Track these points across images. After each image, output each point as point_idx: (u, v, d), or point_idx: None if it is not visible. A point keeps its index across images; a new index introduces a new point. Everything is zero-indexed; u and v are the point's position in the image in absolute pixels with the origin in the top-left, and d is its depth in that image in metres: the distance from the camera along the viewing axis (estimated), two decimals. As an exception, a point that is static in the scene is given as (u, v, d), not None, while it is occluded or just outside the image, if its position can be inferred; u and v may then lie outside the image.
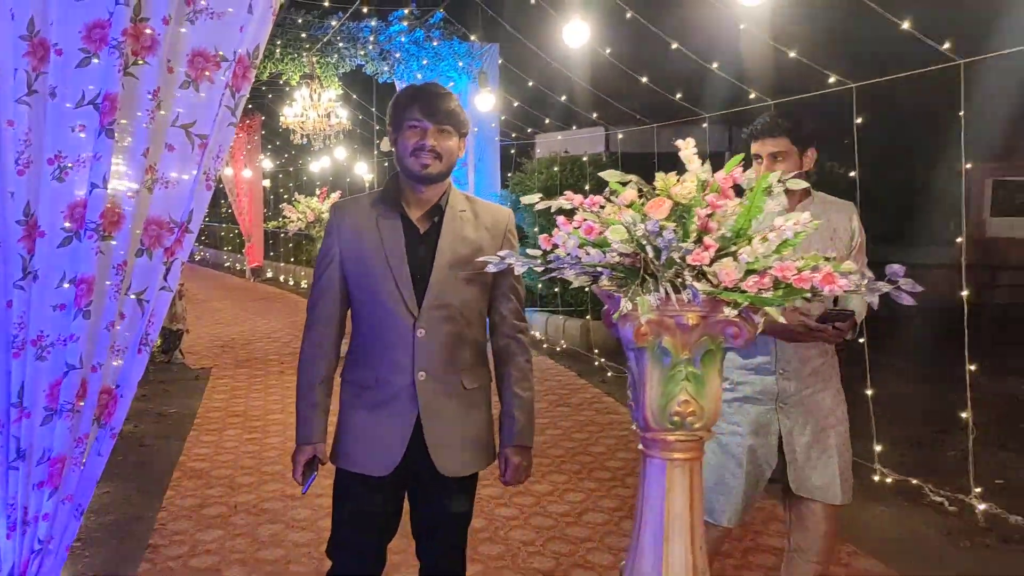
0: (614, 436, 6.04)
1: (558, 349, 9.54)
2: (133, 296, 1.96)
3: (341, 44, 8.38)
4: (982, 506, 4.36)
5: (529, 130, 11.00)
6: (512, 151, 11.70)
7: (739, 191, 2.23)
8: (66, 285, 1.87)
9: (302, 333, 2.50)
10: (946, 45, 4.09)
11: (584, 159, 9.75)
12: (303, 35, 8.00)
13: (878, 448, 4.96)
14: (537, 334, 10.26)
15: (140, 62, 1.89)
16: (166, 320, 8.90)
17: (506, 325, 2.54)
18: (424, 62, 8.84)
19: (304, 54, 8.36)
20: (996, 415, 6.05)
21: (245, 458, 5.53)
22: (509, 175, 11.28)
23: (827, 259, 2.08)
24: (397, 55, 8.71)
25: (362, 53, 8.58)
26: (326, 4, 7.86)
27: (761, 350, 2.81)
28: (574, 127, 9.90)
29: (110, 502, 4.63)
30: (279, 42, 7.99)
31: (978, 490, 4.44)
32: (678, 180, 2.20)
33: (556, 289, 9.95)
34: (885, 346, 8.84)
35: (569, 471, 5.23)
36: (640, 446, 2.28)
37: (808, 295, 2.03)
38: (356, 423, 2.41)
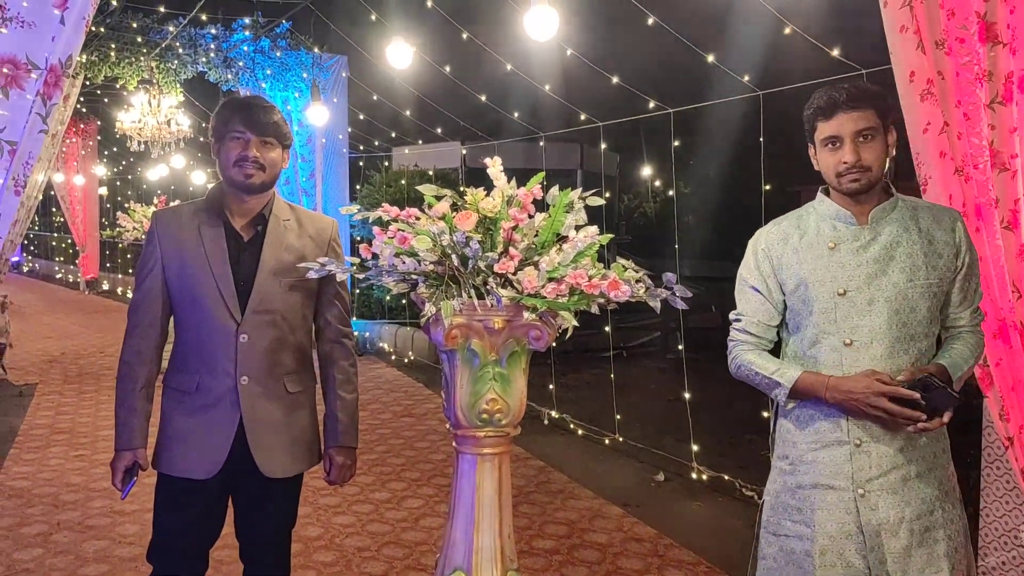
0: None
1: (406, 361, 9.63)
2: (-66, 301, 1.93)
3: (182, 50, 8.18)
4: (783, 497, 4.77)
5: (376, 143, 11.05)
6: (361, 163, 11.71)
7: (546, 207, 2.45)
8: None
9: (123, 340, 2.48)
10: (746, 78, 4.52)
11: (431, 172, 9.92)
12: (139, 39, 7.75)
13: (695, 448, 5.34)
14: (385, 346, 10.30)
15: (-56, 66, 1.88)
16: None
17: (331, 330, 2.65)
18: (269, 71, 8.75)
19: (142, 59, 8.10)
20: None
21: (71, 475, 5.31)
22: (358, 188, 11.29)
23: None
24: (241, 63, 8.58)
25: (204, 60, 8.40)
26: (161, 10, 7.66)
27: (828, 412, 2.18)
28: (420, 141, 10.04)
29: (-85, 525, 4.36)
30: (114, 45, 7.72)
31: (780, 483, 4.85)
32: (486, 195, 2.38)
33: (404, 301, 10.03)
34: (714, 355, 9.48)
35: (409, 478, 5.33)
36: (453, 443, 2.44)
37: (601, 299, 2.25)
38: (178, 427, 2.43)
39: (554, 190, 2.44)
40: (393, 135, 10.03)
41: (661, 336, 10.94)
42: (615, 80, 5.26)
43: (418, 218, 2.46)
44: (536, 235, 2.41)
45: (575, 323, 2.20)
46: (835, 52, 3.91)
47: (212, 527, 2.54)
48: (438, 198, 2.47)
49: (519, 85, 7.02)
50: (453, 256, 2.19)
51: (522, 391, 2.38)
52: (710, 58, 4.50)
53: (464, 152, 8.73)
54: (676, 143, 5.13)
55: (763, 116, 4.61)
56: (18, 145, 1.96)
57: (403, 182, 10.11)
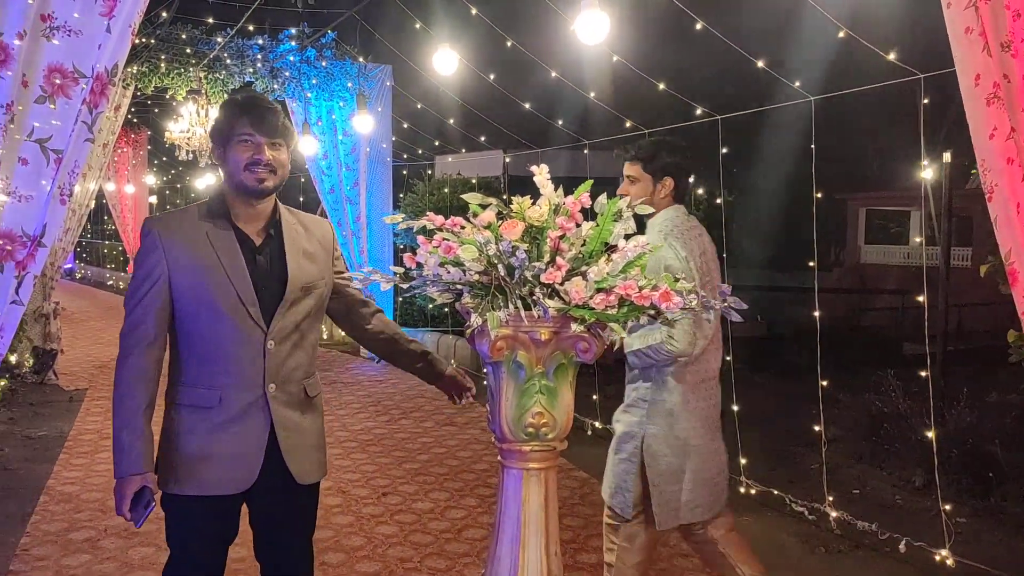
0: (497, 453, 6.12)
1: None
2: (-18, 310, 1.93)
3: (229, 60, 8.28)
4: (835, 513, 4.64)
5: (420, 151, 11.09)
6: (404, 172, 11.75)
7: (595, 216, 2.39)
8: (-91, 298, 1.84)
9: (118, 357, 2.31)
10: (797, 83, 4.41)
11: (474, 181, 9.91)
12: (188, 50, 7.86)
13: (743, 461, 5.22)
14: (428, 354, 10.27)
15: (-7, 75, 1.88)
16: (39, 340, 8.53)
17: (360, 302, 2.71)
18: (314, 81, 8.82)
19: (191, 69, 8.22)
20: (856, 430, 6.44)
21: (118, 481, 5.37)
22: (401, 196, 11.33)
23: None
24: (287, 73, 8.66)
25: (251, 70, 8.49)
26: (210, 21, 7.76)
27: None
28: (463, 150, 10.04)
29: (-32, 528, 4.43)
30: (164, 56, 7.84)
31: (831, 499, 4.72)
32: (532, 203, 2.33)
33: (446, 309, 10.02)
34: (756, 365, 9.31)
35: (451, 488, 5.29)
36: (499, 457, 2.39)
37: (651, 311, 2.19)
38: (201, 445, 2.33)
39: (602, 198, 2.38)
40: (436, 143, 10.04)
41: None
42: (662, 87, 5.19)
43: (463, 227, 2.41)
44: (583, 244, 2.36)
45: (625, 335, 2.13)
46: (891, 56, 3.79)
47: (231, 536, 2.50)
48: (483, 207, 2.43)
49: (564, 93, 6.98)
50: (499, 266, 2.14)
51: (569, 405, 2.31)
52: (760, 63, 4.40)
53: (508, 160, 8.69)
54: (724, 150, 5.03)
55: (814, 122, 4.50)
56: (64, 153, 1.96)
57: (446, 190, 10.12)
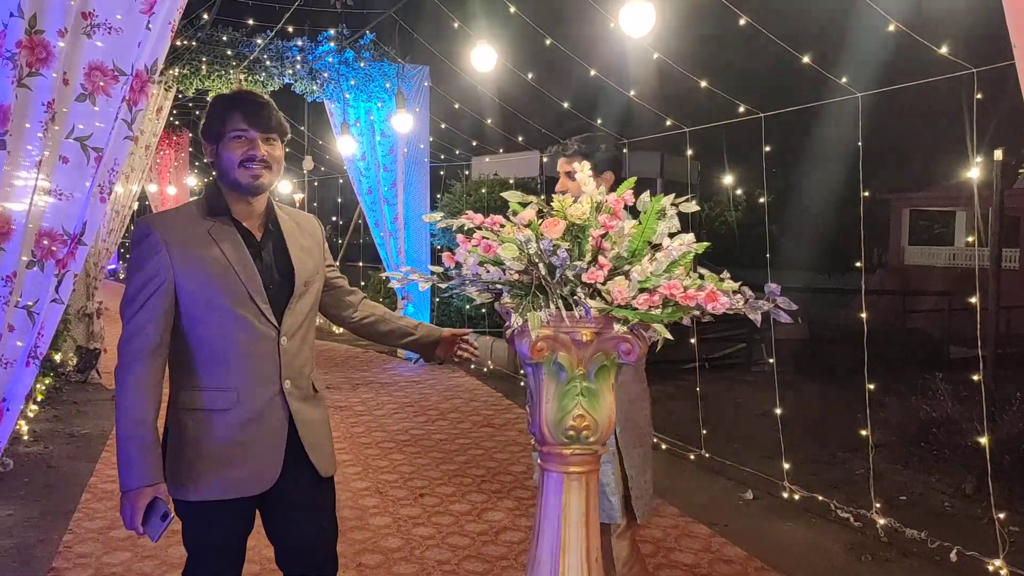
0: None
1: (485, 370, 9.58)
2: (23, 308, 1.93)
3: (269, 62, 8.33)
4: (882, 521, 4.52)
5: (457, 152, 11.08)
6: (441, 172, 11.75)
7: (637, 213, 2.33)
8: (-48, 296, 1.84)
9: (117, 368, 2.21)
10: (844, 79, 4.30)
11: (511, 181, 9.87)
12: (229, 52, 7.93)
13: (787, 466, 5.11)
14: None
15: (35, 74, 1.88)
16: (83, 339, 8.67)
17: (347, 290, 2.73)
18: (352, 82, 8.85)
19: (231, 71, 8.29)
20: (903, 435, 6.29)
21: (159, 479, 5.41)
22: (438, 197, 11.34)
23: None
24: (325, 75, 8.70)
25: (290, 72, 8.55)
26: (251, 23, 7.82)
27: None
28: (501, 150, 10.01)
29: (12, 525, 4.48)
30: (205, 59, 7.92)
31: (878, 505, 4.60)
32: (574, 201, 2.28)
33: (484, 310, 10.00)
34: (798, 368, 9.16)
35: (489, 491, 5.25)
36: (538, 460, 2.34)
37: (696, 312, 2.13)
38: (219, 448, 2.28)
39: (645, 196, 2.32)
40: (474, 143, 10.02)
41: (746, 348, 10.65)
42: (703, 84, 5.10)
43: (502, 226, 2.38)
44: (626, 243, 2.30)
45: (669, 336, 2.08)
46: (943, 50, 3.67)
47: (248, 531, 2.46)
48: (523, 205, 2.39)
49: (602, 91, 6.91)
50: (540, 265, 2.10)
51: (611, 407, 2.26)
52: (805, 59, 4.30)
53: (545, 160, 8.64)
54: (767, 148, 4.94)
55: (861, 119, 4.38)
56: (104, 152, 1.95)
57: (484, 191, 10.10)
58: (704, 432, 5.93)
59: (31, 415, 6.54)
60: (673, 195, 2.31)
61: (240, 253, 2.27)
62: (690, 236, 2.17)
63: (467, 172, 12.42)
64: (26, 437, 6.10)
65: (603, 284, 2.15)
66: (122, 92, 1.97)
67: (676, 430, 6.37)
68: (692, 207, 2.32)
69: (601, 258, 2.17)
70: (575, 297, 2.14)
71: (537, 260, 2.11)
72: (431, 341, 2.76)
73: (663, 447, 6.15)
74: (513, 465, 5.82)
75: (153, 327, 2.18)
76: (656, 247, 2.24)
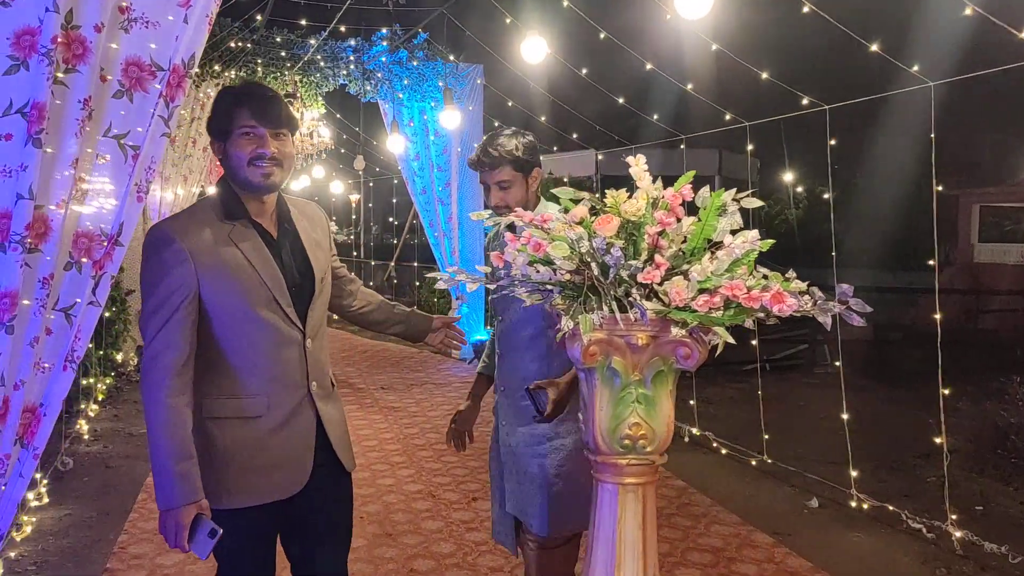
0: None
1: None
2: (60, 311, 1.89)
3: (323, 63, 8.35)
4: (959, 533, 4.28)
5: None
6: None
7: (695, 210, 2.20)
8: (-11, 299, 1.80)
9: (145, 385, 2.10)
10: (915, 68, 4.08)
11: (565, 180, 9.75)
12: (283, 54, 7.97)
13: (854, 473, 4.89)
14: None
15: (71, 70, 1.83)
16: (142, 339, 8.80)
17: (354, 284, 2.73)
18: (406, 82, 8.83)
19: (286, 72, 8.33)
20: (978, 441, 6.00)
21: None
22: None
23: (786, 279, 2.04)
24: (379, 75, 8.69)
25: (344, 72, 8.55)
26: (303, 23, 7.84)
27: None
28: (555, 148, 9.88)
29: (69, 524, 4.52)
30: (260, 60, 7.97)
31: (954, 517, 4.36)
32: (629, 197, 2.16)
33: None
34: (868, 371, 8.84)
35: (543, 495, 5.13)
36: (592, 470, 2.23)
37: (761, 314, 1.99)
38: (252, 455, 2.22)
39: (704, 191, 2.19)
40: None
41: (808, 349, 10.33)
42: (764, 76, 4.90)
43: (553, 223, 2.27)
44: (683, 242, 2.17)
45: (731, 340, 1.94)
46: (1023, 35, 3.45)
47: (276, 535, 2.43)
48: (575, 202, 2.28)
49: (658, 87, 6.73)
50: (592, 264, 1.98)
51: (669, 415, 2.13)
52: (874, 47, 4.08)
53: (600, 157, 8.49)
54: (832, 142, 4.72)
55: (933, 110, 4.15)
56: (141, 150, 1.90)
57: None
58: (766, 437, 5.73)
59: (92, 414, 6.65)
60: (734, 190, 2.17)
61: (262, 256, 2.21)
62: (754, 233, 2.03)
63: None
64: (87, 437, 6.19)
65: (660, 285, 2.02)
66: (159, 88, 1.91)
67: (736, 434, 6.17)
68: (755, 202, 2.17)
69: (658, 257, 2.04)
70: (630, 298, 2.02)
71: (589, 259, 2.00)
72: (422, 330, 2.80)
73: (722, 452, 5.97)
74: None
75: (182, 340, 2.10)
76: (716, 245, 2.11)
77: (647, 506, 2.14)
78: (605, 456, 2.13)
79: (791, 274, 2.11)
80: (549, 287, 2.13)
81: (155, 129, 1.92)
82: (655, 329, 2.02)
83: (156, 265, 2.09)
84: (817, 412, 7.33)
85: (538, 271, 2.11)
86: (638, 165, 2.17)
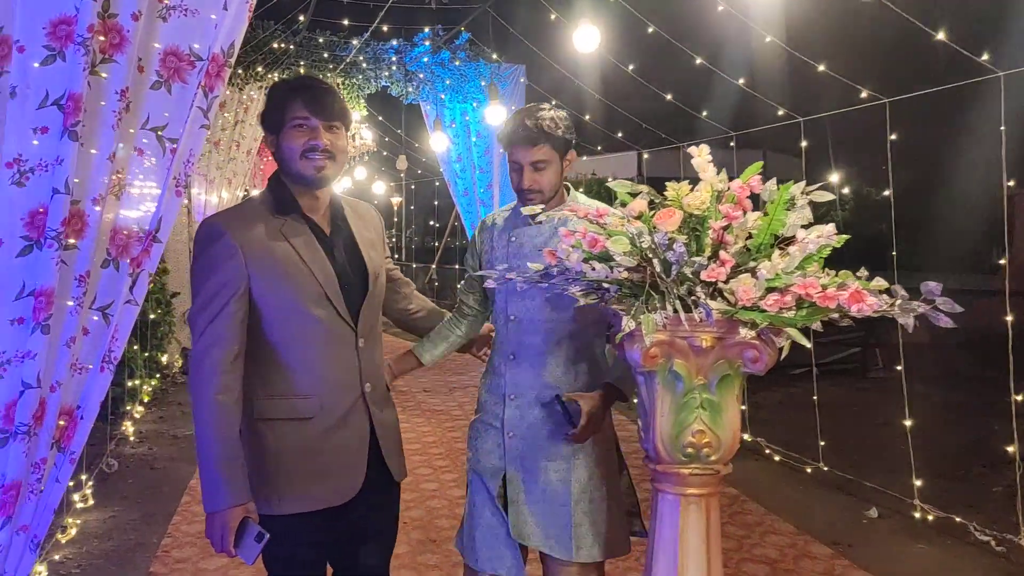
0: (638, 466, 5.78)
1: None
2: (97, 310, 1.81)
3: (365, 65, 8.31)
4: (1030, 547, 4.07)
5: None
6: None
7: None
8: (25, 297, 1.73)
9: (193, 383, 2.04)
10: (984, 56, 3.87)
11: (610, 180, 9.59)
12: (326, 55, 7.94)
13: (918, 483, 4.68)
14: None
15: (108, 60, 1.76)
16: (188, 341, 8.84)
17: (408, 287, 2.70)
18: (448, 82, 8.75)
19: (329, 74, 8.30)
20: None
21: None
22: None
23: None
24: (421, 76, 8.62)
25: (386, 74, 8.50)
26: (345, 23, 7.80)
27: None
28: (599, 147, 9.72)
29: (113, 527, 4.49)
30: (303, 63, 7.94)
31: (1026, 529, 4.15)
32: (691, 190, 2.03)
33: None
34: (925, 376, 8.54)
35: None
36: (651, 480, 2.10)
37: (835, 314, 1.85)
38: (303, 458, 2.14)
39: (771, 183, 2.06)
40: (573, 142, 9.77)
41: (860, 352, 10.03)
42: (821, 68, 4.70)
43: (609, 218, 2.15)
44: (748, 237, 2.04)
45: (806, 343, 1.80)
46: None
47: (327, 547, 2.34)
48: (633, 195, 2.16)
49: (706, 83, 6.57)
50: (655, 261, 1.85)
51: (735, 422, 2.00)
52: (940, 35, 3.87)
53: (647, 156, 8.32)
54: (893, 137, 4.52)
55: (1004, 102, 3.94)
56: (179, 142, 1.82)
57: (580, 190, 9.84)
58: (822, 443, 5.53)
59: (137, 416, 6.66)
60: (803, 183, 2.03)
61: (314, 252, 2.15)
62: (830, 227, 1.89)
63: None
64: (132, 438, 6.20)
65: (725, 283, 1.90)
66: (198, 78, 1.83)
67: (788, 440, 5.97)
68: (825, 196, 2.03)
69: (723, 253, 1.91)
70: (693, 297, 1.90)
71: (651, 255, 1.88)
72: (470, 339, 2.80)
73: (775, 459, 5.77)
74: (615, 475, 5.55)
75: (231, 336, 2.03)
76: (783, 241, 1.97)
77: (711, 519, 2.01)
78: (666, 465, 2.01)
79: (863, 272, 1.96)
80: (605, 285, 2.01)
81: (194, 121, 1.84)
82: (721, 330, 1.90)
83: (206, 259, 2.04)
84: (872, 418, 7.09)
85: (593, 268, 1.99)
86: (701, 156, 2.05)
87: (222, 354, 2.01)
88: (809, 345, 1.82)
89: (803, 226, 1.95)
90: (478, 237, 2.70)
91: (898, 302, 1.77)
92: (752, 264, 1.94)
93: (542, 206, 2.35)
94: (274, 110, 2.12)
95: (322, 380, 2.14)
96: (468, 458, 2.69)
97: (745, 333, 1.83)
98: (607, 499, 2.57)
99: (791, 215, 1.98)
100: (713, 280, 1.86)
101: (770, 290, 1.85)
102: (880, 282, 1.79)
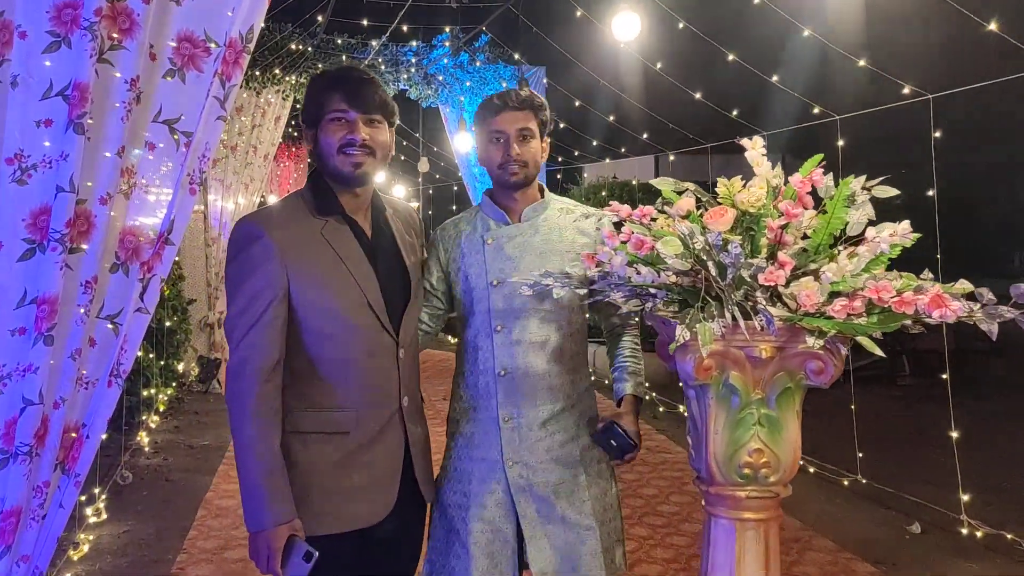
0: (667, 477, 5.62)
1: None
2: (105, 318, 1.67)
3: (384, 68, 8.19)
4: (1085, 565, 3.86)
5: (576, 153, 10.70)
6: (558, 176, 11.41)
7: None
8: (26, 305, 1.59)
9: (232, 394, 1.91)
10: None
11: (634, 183, 9.43)
12: (344, 58, 7.82)
13: (965, 498, 4.47)
14: (585, 366, 9.84)
15: (117, 47, 1.62)
16: (204, 349, 8.73)
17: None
18: (468, 84, 8.62)
19: (347, 78, 8.20)
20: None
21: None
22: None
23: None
24: (440, 78, 8.49)
25: (405, 77, 8.38)
26: (364, 23, 7.68)
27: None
28: (623, 148, 9.55)
29: (127, 543, 4.36)
30: (321, 66, 7.83)
31: (1081, 547, 3.94)
32: (744, 186, 1.87)
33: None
34: (971, 386, 8.30)
35: (638, 536, 4.82)
36: (703, 503, 1.94)
37: (908, 320, 1.68)
38: (335, 475, 2.00)
39: (828, 179, 1.89)
40: (595, 143, 9.61)
41: (887, 359, 9.77)
42: (861, 63, 4.51)
43: (654, 219, 1.99)
44: (804, 237, 1.88)
45: (880, 353, 1.64)
46: None
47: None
48: (679, 193, 2.00)
49: (735, 82, 6.39)
50: (710, 264, 1.69)
51: (796, 440, 1.83)
52: (992, 25, 3.68)
53: (672, 158, 8.15)
54: (937, 134, 4.33)
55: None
56: (194, 136, 1.68)
57: (604, 193, 9.67)
58: (860, 455, 5.32)
59: (152, 426, 6.55)
60: (864, 177, 1.87)
61: (356, 256, 2.01)
62: (904, 224, 1.72)
63: (585, 176, 12.02)
64: (147, 449, 6.08)
65: (785, 287, 1.73)
66: (214, 66, 1.69)
67: (824, 452, 5.77)
68: (889, 191, 1.87)
69: (781, 255, 1.75)
70: (750, 303, 1.73)
71: (705, 258, 1.71)
72: None
73: (810, 470, 5.57)
74: (643, 487, 5.38)
75: (271, 343, 1.90)
76: (850, 241, 1.81)
77: (770, 546, 1.84)
78: (720, 487, 1.84)
79: (926, 274, 1.80)
80: (652, 291, 1.85)
81: (210, 112, 1.70)
82: (781, 339, 1.73)
83: (243, 262, 1.91)
84: (908, 427, 6.87)
85: (638, 272, 1.83)
86: (755, 148, 1.88)
87: (260, 363, 1.88)
88: (883, 355, 1.66)
89: (869, 223, 1.79)
90: (440, 246, 2.38)
91: (983, 307, 1.60)
92: (812, 266, 1.78)
93: (595, 210, 2.20)
94: (312, 103, 2.00)
95: (360, 392, 2.00)
96: (448, 506, 2.32)
97: (812, 342, 1.67)
98: (616, 507, 2.42)
99: (852, 212, 1.82)
100: (772, 284, 1.70)
101: (833, 294, 1.70)
102: (964, 284, 1.63)
